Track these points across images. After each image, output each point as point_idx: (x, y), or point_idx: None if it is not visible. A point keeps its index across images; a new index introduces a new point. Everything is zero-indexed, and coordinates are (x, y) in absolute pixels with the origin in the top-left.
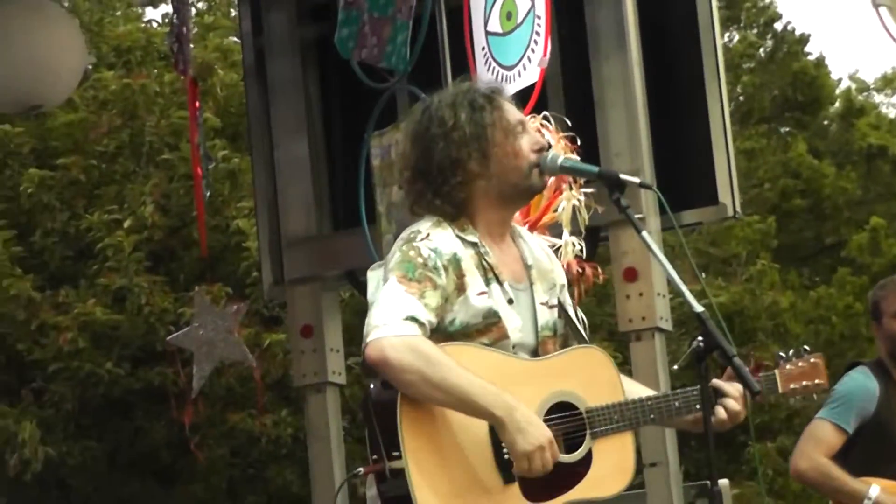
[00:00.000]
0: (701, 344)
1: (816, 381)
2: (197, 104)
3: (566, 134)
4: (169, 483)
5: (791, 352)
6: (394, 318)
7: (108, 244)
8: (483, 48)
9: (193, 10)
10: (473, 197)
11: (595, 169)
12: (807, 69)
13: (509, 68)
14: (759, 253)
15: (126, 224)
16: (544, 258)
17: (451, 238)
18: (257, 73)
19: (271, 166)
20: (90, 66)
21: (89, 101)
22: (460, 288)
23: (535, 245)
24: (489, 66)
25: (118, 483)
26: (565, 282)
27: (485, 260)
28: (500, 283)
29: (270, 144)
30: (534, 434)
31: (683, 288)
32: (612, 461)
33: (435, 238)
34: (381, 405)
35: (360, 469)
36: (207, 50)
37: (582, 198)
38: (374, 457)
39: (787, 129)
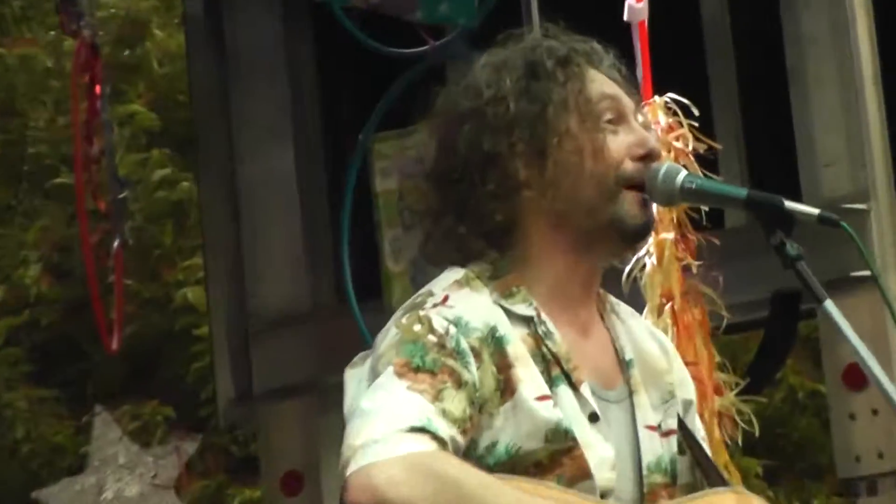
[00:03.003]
0: None
1: None
2: (97, 88)
3: (688, 123)
4: None
5: None
6: (390, 430)
7: None
8: None
9: None
10: (521, 224)
11: (742, 192)
12: None
13: None
14: None
15: None
16: (654, 349)
17: (487, 305)
18: (208, 34)
19: (232, 194)
20: None
21: None
22: (506, 387)
23: (640, 329)
24: None
25: None
26: (693, 396)
27: (546, 345)
28: (573, 385)
29: (231, 157)
30: None
31: None
32: None
33: (458, 303)
34: None
35: None
36: None
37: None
38: None
39: None
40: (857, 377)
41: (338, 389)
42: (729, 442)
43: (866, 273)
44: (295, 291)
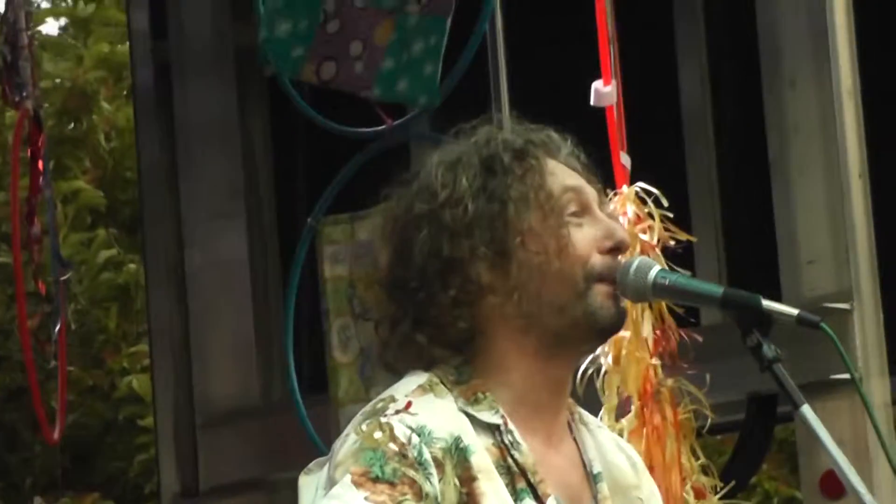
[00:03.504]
0: None
1: None
2: (40, 163)
3: (661, 214)
4: None
5: None
6: None
7: None
8: None
9: None
10: (485, 330)
11: (717, 290)
12: None
13: None
14: None
15: None
16: (623, 462)
17: (452, 412)
18: (158, 107)
19: (180, 279)
20: None
21: None
22: (468, 501)
23: (608, 441)
24: None
25: None
26: None
27: (512, 456)
28: (539, 499)
29: (179, 240)
30: None
31: None
32: None
33: (421, 410)
34: None
35: None
36: (85, 65)
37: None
38: None
39: None
40: (834, 485)
41: (287, 487)
42: None
43: (846, 376)
44: (244, 384)
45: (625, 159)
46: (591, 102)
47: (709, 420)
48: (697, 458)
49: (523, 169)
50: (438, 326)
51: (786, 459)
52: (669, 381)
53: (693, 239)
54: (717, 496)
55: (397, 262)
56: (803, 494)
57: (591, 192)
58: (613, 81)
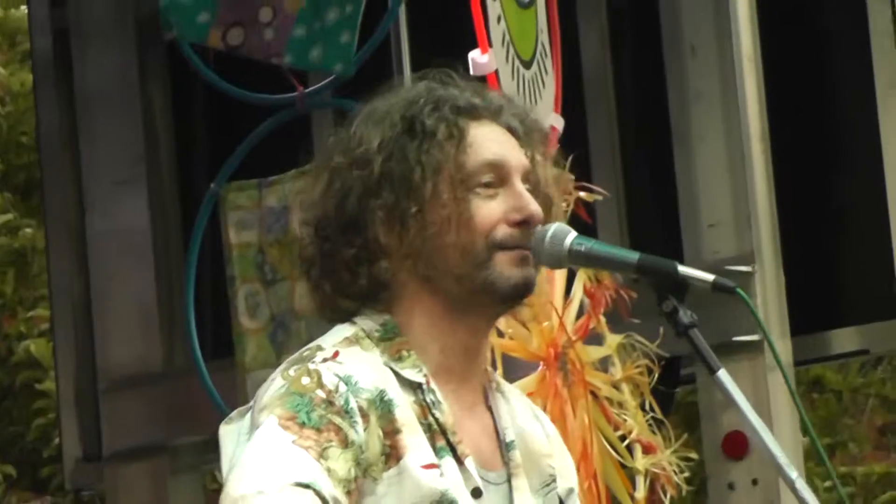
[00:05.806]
0: None
1: None
2: None
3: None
4: None
5: None
6: (275, 483)
7: None
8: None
9: None
10: (391, 288)
11: (633, 256)
12: None
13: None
14: None
15: None
16: (537, 431)
17: (378, 366)
18: (56, 74)
19: (81, 243)
20: None
21: None
22: (391, 453)
23: (523, 408)
24: (512, 65)
25: None
26: (575, 483)
27: (433, 414)
28: (458, 459)
29: (80, 206)
30: None
31: (795, 479)
32: None
33: (348, 360)
34: None
35: None
36: None
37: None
38: None
39: None
40: (736, 446)
41: (189, 451)
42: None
43: (748, 338)
44: (146, 349)
45: (557, 120)
46: (471, 72)
47: (655, 375)
48: (652, 412)
49: (443, 135)
50: (340, 280)
51: (680, 420)
52: (590, 343)
53: (599, 197)
54: (670, 451)
55: (314, 209)
56: (706, 455)
57: (513, 163)
58: (490, 49)
